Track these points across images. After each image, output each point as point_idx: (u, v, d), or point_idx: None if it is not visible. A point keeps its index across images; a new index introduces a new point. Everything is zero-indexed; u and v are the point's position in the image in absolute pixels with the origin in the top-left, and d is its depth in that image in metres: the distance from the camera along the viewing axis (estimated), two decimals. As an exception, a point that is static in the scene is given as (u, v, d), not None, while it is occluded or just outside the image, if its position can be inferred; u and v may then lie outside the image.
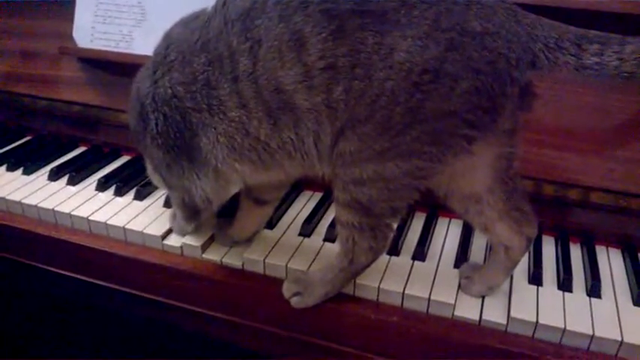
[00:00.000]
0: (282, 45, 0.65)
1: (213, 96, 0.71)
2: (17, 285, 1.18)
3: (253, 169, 0.76)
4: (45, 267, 1.01)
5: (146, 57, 0.80)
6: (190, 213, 0.84)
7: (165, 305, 0.93)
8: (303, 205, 1.03)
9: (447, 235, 0.95)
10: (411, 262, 0.87)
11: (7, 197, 1.02)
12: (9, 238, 1.02)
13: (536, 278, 0.83)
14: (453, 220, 0.99)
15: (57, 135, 1.27)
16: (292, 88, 0.67)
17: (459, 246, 0.91)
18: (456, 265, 0.87)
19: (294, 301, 0.81)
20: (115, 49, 1.04)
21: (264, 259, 0.86)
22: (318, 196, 1.06)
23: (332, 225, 0.94)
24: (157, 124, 0.76)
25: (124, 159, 1.19)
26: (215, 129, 0.73)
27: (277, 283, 0.84)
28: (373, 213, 0.71)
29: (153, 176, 0.89)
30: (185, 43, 0.73)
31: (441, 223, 0.98)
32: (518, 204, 0.74)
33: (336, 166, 0.71)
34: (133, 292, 0.95)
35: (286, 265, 0.85)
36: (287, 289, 0.82)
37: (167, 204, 1.01)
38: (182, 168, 0.78)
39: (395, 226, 0.75)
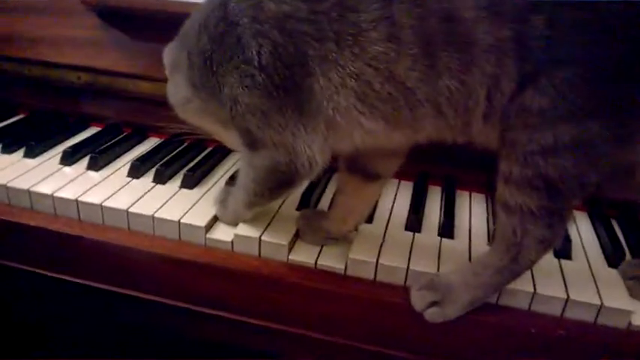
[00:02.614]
0: None
1: (349, 21, 0.53)
2: None
3: (382, 126, 0.58)
4: (42, 272, 0.77)
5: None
6: (274, 184, 0.64)
7: (231, 322, 0.72)
8: (395, 195, 0.84)
9: (579, 226, 0.80)
10: (556, 260, 0.71)
11: (9, 185, 0.77)
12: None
13: None
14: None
15: (59, 112, 1.02)
16: (473, 16, 0.50)
17: (608, 241, 0.75)
18: (612, 264, 0.71)
19: (431, 314, 0.63)
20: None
21: (376, 260, 0.67)
22: (405, 184, 0.88)
23: (447, 216, 0.77)
24: (259, 54, 0.56)
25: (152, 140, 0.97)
26: (342, 68, 0.54)
27: (391, 290, 0.66)
28: (560, 192, 0.55)
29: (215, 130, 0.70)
30: None
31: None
32: None
33: (513, 130, 0.54)
34: (168, 302, 0.74)
35: (407, 268, 0.67)
36: (420, 298, 0.63)
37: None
38: (285, 117, 0.58)
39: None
